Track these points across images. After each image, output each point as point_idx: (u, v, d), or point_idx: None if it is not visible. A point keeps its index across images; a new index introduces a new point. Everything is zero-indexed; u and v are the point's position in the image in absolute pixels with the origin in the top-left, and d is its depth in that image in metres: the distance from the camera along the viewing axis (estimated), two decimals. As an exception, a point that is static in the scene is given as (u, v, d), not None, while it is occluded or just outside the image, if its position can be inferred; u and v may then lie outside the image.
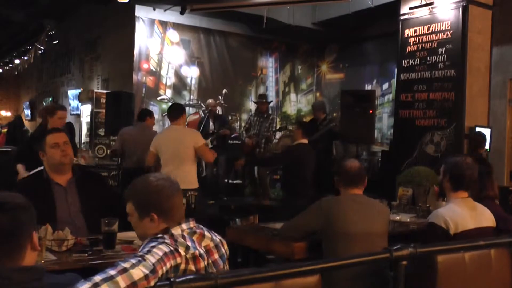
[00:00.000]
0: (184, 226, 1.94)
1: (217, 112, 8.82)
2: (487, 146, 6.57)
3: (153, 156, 5.21)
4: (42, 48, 12.68)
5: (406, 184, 4.75)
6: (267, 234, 3.40)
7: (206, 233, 1.98)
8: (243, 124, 10.48)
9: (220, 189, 8.18)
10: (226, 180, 8.40)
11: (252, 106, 10.67)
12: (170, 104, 9.60)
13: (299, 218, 3.14)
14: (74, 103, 11.41)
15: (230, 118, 10.04)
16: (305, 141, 5.72)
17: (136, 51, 9.40)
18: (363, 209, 3.00)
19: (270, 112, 8.87)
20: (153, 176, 2.02)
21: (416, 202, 4.52)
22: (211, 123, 8.27)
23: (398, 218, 4.01)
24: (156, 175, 2.05)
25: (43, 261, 2.31)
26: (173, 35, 9.86)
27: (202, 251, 1.90)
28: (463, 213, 2.87)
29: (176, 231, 1.90)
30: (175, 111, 5.23)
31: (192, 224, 1.98)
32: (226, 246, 2.04)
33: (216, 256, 1.97)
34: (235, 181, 8.66)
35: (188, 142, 5.07)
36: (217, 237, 2.02)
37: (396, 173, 5.65)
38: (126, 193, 2.03)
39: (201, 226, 2.01)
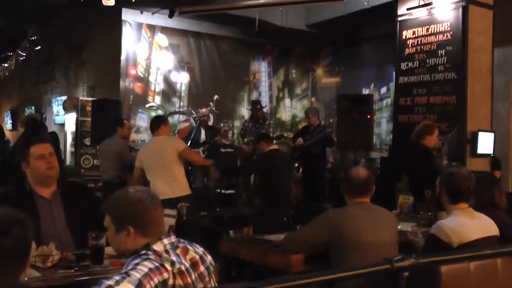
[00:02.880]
0: (165, 240, 1.94)
1: (209, 122, 8.83)
2: (490, 151, 6.61)
3: (138, 171, 5.32)
4: (24, 54, 12.64)
5: (406, 192, 4.76)
6: (262, 246, 3.39)
7: (189, 246, 1.99)
8: (235, 132, 10.49)
9: (213, 200, 8.16)
10: (219, 190, 8.39)
11: (245, 112, 10.68)
12: (159, 111, 9.65)
13: (305, 230, 3.14)
14: (58, 111, 11.37)
15: (222, 125, 10.04)
16: (275, 147, 6.12)
17: (123, 57, 9.39)
18: (372, 218, 3.01)
19: (266, 117, 8.89)
20: (132, 188, 2.02)
21: (417, 210, 4.52)
22: (202, 132, 8.27)
23: (399, 227, 3.99)
24: (136, 187, 2.04)
25: (26, 278, 2.28)
26: (162, 39, 9.86)
27: (188, 265, 1.90)
28: (466, 223, 2.88)
29: (158, 246, 1.90)
30: (152, 124, 5.52)
31: (173, 238, 1.98)
32: (210, 257, 2.05)
33: (202, 268, 1.97)
34: (227, 191, 8.64)
35: (170, 149, 5.20)
36: (199, 249, 2.03)
37: (396, 180, 5.66)
38: (103, 205, 2.03)
39: (182, 240, 2.02)
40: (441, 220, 3.04)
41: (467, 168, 3.26)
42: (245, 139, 8.21)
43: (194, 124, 9.60)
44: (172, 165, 5.18)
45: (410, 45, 7.04)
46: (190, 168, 7.18)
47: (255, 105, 8.41)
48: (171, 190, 5.07)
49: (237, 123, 10.68)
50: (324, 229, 3.01)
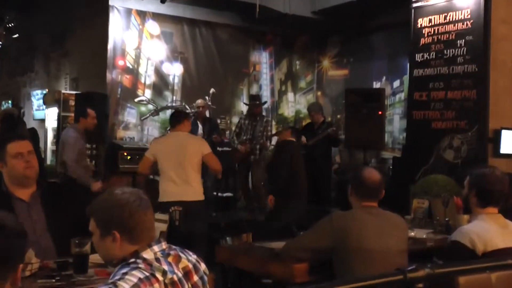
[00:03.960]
0: (155, 247, 1.94)
1: (206, 114, 8.81)
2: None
3: (149, 163, 5.38)
4: (0, 43, 12.63)
5: (421, 195, 4.78)
6: (263, 254, 3.39)
7: (181, 254, 1.99)
8: (233, 128, 10.49)
9: (209, 204, 8.14)
10: (215, 193, 8.38)
11: (244, 108, 10.68)
12: (149, 106, 9.64)
13: (306, 236, 3.15)
14: (38, 106, 11.37)
15: (219, 121, 10.04)
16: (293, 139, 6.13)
17: (110, 46, 9.38)
18: (379, 223, 3.02)
19: (264, 114, 8.87)
20: (119, 190, 2.03)
21: (433, 215, 4.52)
22: (199, 127, 8.25)
23: (413, 234, 4.00)
24: (124, 188, 2.05)
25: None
26: (153, 27, 9.86)
27: (180, 275, 1.91)
28: (493, 230, 2.88)
29: (148, 254, 1.90)
30: (175, 118, 5.54)
31: (164, 245, 1.98)
32: (204, 265, 2.06)
33: (196, 278, 1.98)
34: (225, 194, 8.64)
35: (194, 150, 5.28)
36: (193, 257, 2.04)
37: (410, 182, 5.67)
38: (88, 208, 2.03)
39: (174, 247, 2.02)
40: (464, 226, 3.04)
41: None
42: (240, 138, 8.17)
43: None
44: (191, 166, 5.25)
45: (426, 35, 7.03)
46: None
47: (254, 100, 8.39)
48: (184, 191, 5.14)
49: (235, 120, 10.68)
50: (327, 234, 3.02)
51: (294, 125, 10.55)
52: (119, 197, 1.98)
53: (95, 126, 6.80)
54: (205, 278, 2.03)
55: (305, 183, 6.14)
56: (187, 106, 9.93)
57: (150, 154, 5.38)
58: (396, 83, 10.04)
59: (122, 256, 1.92)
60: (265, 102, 9.16)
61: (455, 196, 4.30)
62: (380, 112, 6.85)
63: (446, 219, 4.31)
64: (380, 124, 6.88)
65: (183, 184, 5.17)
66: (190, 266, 1.98)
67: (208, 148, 5.41)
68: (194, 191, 5.25)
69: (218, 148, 8.30)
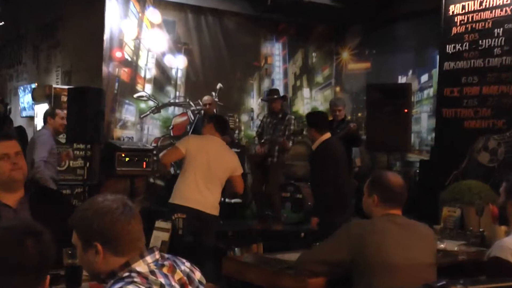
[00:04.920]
0: (148, 258, 1.94)
1: (214, 111, 8.80)
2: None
3: (178, 156, 5.51)
4: (-16, 33, 12.71)
5: (452, 202, 4.76)
6: (274, 267, 3.38)
7: (174, 264, 2.00)
8: (242, 127, 10.49)
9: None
10: (223, 199, 8.39)
11: (254, 104, 10.67)
12: (150, 102, 9.66)
13: (322, 247, 3.15)
14: (26, 102, 11.43)
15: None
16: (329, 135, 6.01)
17: (106, 36, 9.41)
18: (404, 234, 3.01)
19: (287, 111, 8.82)
20: (101, 196, 2.02)
21: (465, 226, 4.50)
22: None
23: (442, 246, 3.99)
24: (106, 195, 2.04)
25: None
26: (154, 15, 9.88)
27: (178, 287, 1.92)
28: None
29: (141, 267, 1.90)
30: (223, 123, 5.90)
31: (157, 255, 1.98)
32: (199, 273, 2.05)
33: None
34: (233, 200, 8.65)
35: (229, 166, 5.45)
36: (186, 265, 2.04)
37: (440, 189, 5.65)
38: (69, 219, 2.04)
39: (167, 255, 2.02)
40: (503, 239, 3.03)
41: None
42: (262, 140, 8.13)
43: (192, 118, 9.61)
44: (219, 179, 5.40)
45: (458, 23, 7.01)
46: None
47: (272, 94, 8.34)
48: (202, 200, 5.24)
49: (244, 118, 10.68)
50: (345, 245, 3.01)
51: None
52: (100, 205, 1.97)
53: (64, 127, 7.03)
54: (203, 286, 2.03)
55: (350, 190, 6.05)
56: (191, 103, 9.95)
57: (183, 147, 5.41)
58: (424, 78, 10.01)
59: (110, 270, 1.91)
60: (285, 97, 9.04)
61: (491, 204, 4.28)
62: (406, 110, 6.81)
63: (481, 229, 4.29)
64: (405, 123, 6.85)
65: (205, 192, 5.27)
66: (185, 278, 1.98)
67: (241, 169, 5.61)
68: (212, 204, 5.38)
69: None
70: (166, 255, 2.02)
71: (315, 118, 6.25)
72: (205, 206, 5.25)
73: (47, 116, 7.04)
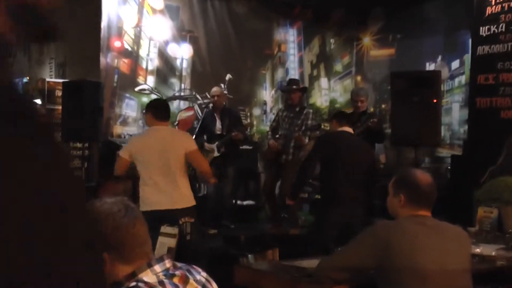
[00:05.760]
0: (157, 267, 1.94)
1: (224, 104, 8.79)
2: None
3: (125, 165, 5.43)
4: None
5: (488, 202, 4.72)
6: (292, 275, 3.38)
7: (188, 274, 1.99)
8: (254, 122, 10.48)
9: (226, 214, 8.18)
10: (234, 201, 8.40)
11: (267, 97, 10.67)
12: (152, 96, 9.68)
13: (344, 252, 3.15)
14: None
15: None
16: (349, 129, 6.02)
17: (104, 24, 9.45)
18: (435, 237, 3.00)
19: (305, 104, 8.81)
20: (98, 200, 2.04)
21: (504, 228, 4.47)
22: (217, 121, 8.23)
23: (478, 250, 3.97)
24: (105, 198, 2.05)
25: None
26: (156, 0, 9.90)
27: None
28: None
29: (148, 277, 1.90)
30: (166, 110, 5.55)
31: (168, 263, 1.98)
32: (216, 286, 2.06)
33: None
34: (245, 202, 8.66)
35: (180, 148, 5.30)
36: (202, 275, 2.04)
37: (474, 187, 5.60)
38: None
39: (179, 264, 2.02)
40: None
41: None
42: (277, 135, 8.11)
43: (200, 113, 9.61)
44: (178, 167, 5.31)
45: (493, 2, 6.97)
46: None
47: (291, 84, 8.30)
48: (170, 198, 5.19)
49: (256, 112, 10.68)
50: (369, 250, 3.01)
51: (328, 117, 10.50)
52: (99, 210, 1.97)
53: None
54: None
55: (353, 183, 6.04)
56: (198, 96, 9.95)
57: (125, 154, 5.41)
58: (455, 64, 10.00)
59: (115, 280, 1.91)
60: (305, 89, 8.96)
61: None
62: (435, 100, 6.80)
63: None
64: (435, 115, 6.83)
65: (167, 189, 5.22)
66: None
67: (193, 144, 5.46)
68: (181, 198, 5.29)
69: (239, 147, 8.32)
70: (179, 264, 2.02)
71: (339, 112, 6.32)
72: (173, 202, 5.19)
73: None
